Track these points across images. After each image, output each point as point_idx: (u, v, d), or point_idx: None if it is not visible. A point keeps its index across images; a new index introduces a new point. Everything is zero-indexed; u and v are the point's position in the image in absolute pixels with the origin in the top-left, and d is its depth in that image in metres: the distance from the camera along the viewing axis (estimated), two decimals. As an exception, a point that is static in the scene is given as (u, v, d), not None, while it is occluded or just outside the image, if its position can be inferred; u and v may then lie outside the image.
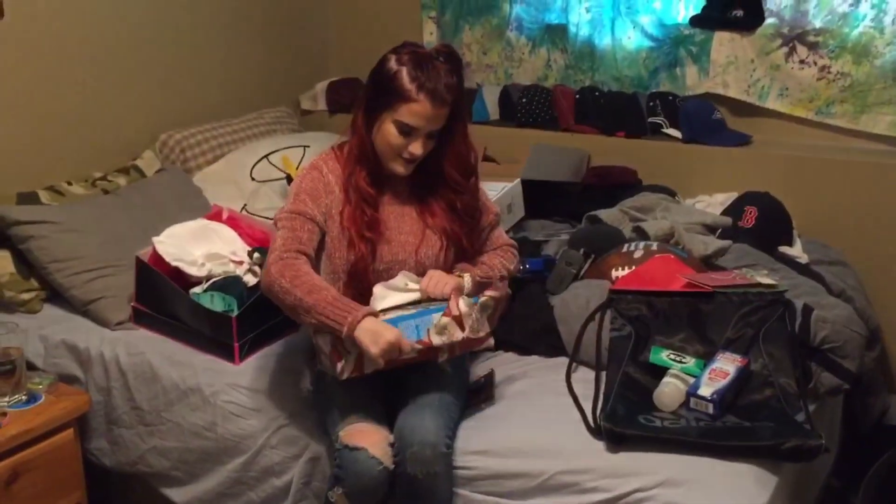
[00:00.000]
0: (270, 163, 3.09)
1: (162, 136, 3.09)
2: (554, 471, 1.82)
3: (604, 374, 2.05)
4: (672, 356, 2.02)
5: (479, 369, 2.15)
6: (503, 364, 2.19)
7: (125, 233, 2.56)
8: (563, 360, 2.16)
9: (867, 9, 2.83)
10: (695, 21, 3.10)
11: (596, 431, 1.87)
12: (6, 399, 2.10)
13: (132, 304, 2.43)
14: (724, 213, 2.78)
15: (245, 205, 2.97)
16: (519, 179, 2.89)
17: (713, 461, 1.78)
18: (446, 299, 1.91)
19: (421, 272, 1.99)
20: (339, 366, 1.87)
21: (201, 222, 2.51)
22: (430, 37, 3.58)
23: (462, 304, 1.86)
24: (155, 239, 2.36)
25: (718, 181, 3.01)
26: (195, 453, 2.19)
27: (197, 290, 2.31)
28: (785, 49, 2.96)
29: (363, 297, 1.96)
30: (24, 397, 2.13)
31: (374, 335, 1.79)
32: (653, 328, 2.09)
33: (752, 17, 2.99)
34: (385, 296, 1.95)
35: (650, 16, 3.19)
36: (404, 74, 1.89)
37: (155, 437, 2.25)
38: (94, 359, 2.33)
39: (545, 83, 3.42)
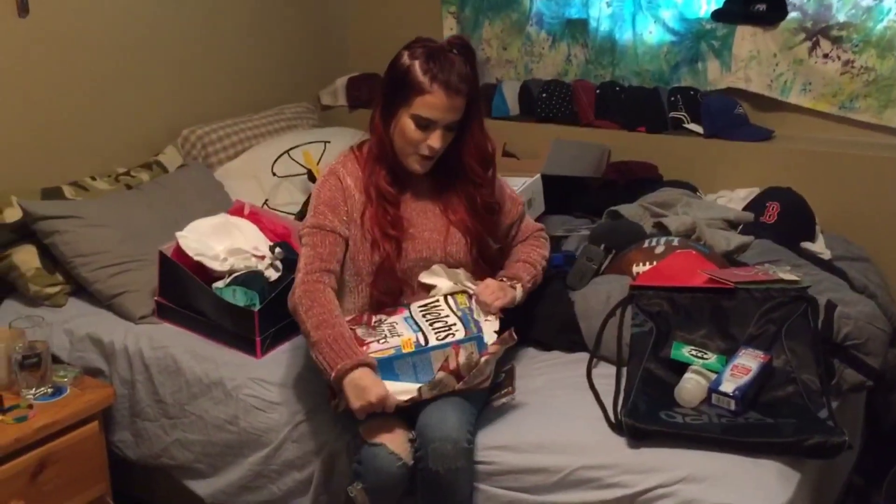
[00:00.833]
0: (291, 158, 3.10)
1: (184, 132, 3.12)
2: (575, 466, 1.82)
3: (625, 369, 2.04)
4: (694, 352, 2.01)
5: (499, 365, 2.15)
6: (523, 359, 2.19)
7: (148, 228, 2.58)
8: (584, 356, 2.15)
9: (891, 3, 2.80)
10: (717, 15, 3.08)
11: (617, 427, 1.87)
12: (32, 392, 2.13)
13: (155, 298, 2.45)
14: (746, 208, 2.76)
15: (266, 200, 2.99)
16: (539, 175, 2.88)
17: (735, 457, 1.77)
18: (492, 313, 1.98)
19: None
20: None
21: (223, 217, 2.52)
22: (449, 32, 3.57)
23: (462, 357, 1.85)
24: (178, 234, 2.38)
25: (740, 176, 2.99)
26: (218, 446, 2.21)
27: (219, 284, 2.33)
28: (808, 43, 2.94)
29: (390, 296, 1.98)
30: (49, 390, 2.15)
31: (359, 391, 1.81)
32: (674, 324, 2.09)
33: (774, 11, 2.97)
34: (440, 275, 2.01)
35: (671, 10, 3.17)
36: (417, 68, 1.90)
37: (178, 430, 2.27)
38: (119, 352, 2.36)
39: (565, 78, 3.41)
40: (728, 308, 2.08)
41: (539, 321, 2.25)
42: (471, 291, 2.05)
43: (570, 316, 2.25)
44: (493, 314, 2.02)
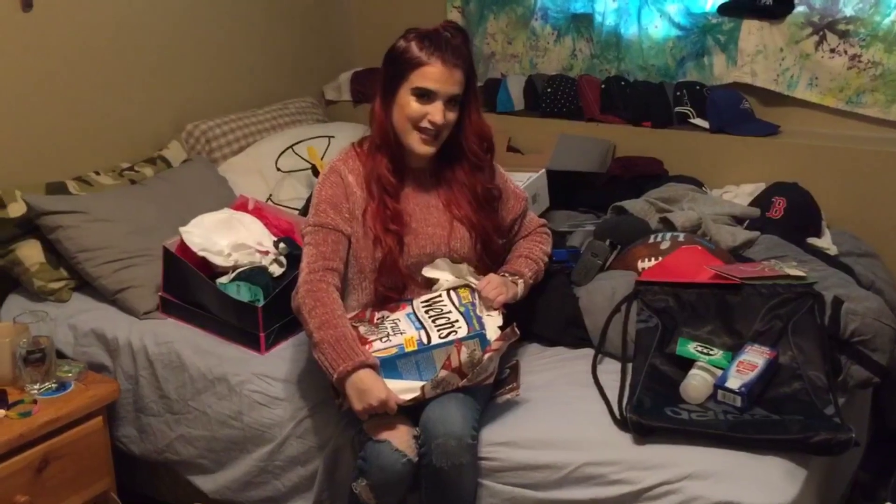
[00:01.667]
0: (296, 153, 3.10)
1: (188, 127, 3.11)
2: (579, 462, 1.82)
3: (630, 365, 2.03)
4: (699, 348, 2.00)
5: (504, 360, 2.14)
6: (528, 355, 2.19)
7: (152, 223, 2.58)
8: (589, 352, 2.15)
9: (900, -4, 2.79)
10: (723, 9, 3.06)
11: (622, 423, 1.86)
12: (37, 387, 2.13)
13: (160, 293, 2.45)
14: (752, 203, 2.75)
15: (270, 195, 2.98)
16: (544, 170, 2.88)
17: (741, 454, 1.77)
18: (495, 308, 1.98)
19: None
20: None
21: (227, 212, 2.52)
22: (454, 26, 3.56)
23: (464, 355, 1.84)
24: (182, 229, 2.38)
25: (746, 171, 2.98)
26: (222, 442, 2.21)
27: (223, 279, 2.33)
28: (815, 38, 2.92)
29: (395, 292, 1.99)
30: (53, 385, 2.16)
31: (360, 393, 1.81)
32: (680, 320, 2.08)
33: (781, 5, 2.95)
34: (443, 269, 2.01)
35: (677, 4, 3.15)
36: (413, 46, 1.94)
37: (182, 426, 2.27)
38: (123, 348, 2.36)
39: (570, 73, 3.39)
40: (734, 304, 2.07)
41: (544, 317, 2.25)
42: (473, 286, 2.04)
43: (575, 311, 2.24)
44: (496, 309, 2.01)
